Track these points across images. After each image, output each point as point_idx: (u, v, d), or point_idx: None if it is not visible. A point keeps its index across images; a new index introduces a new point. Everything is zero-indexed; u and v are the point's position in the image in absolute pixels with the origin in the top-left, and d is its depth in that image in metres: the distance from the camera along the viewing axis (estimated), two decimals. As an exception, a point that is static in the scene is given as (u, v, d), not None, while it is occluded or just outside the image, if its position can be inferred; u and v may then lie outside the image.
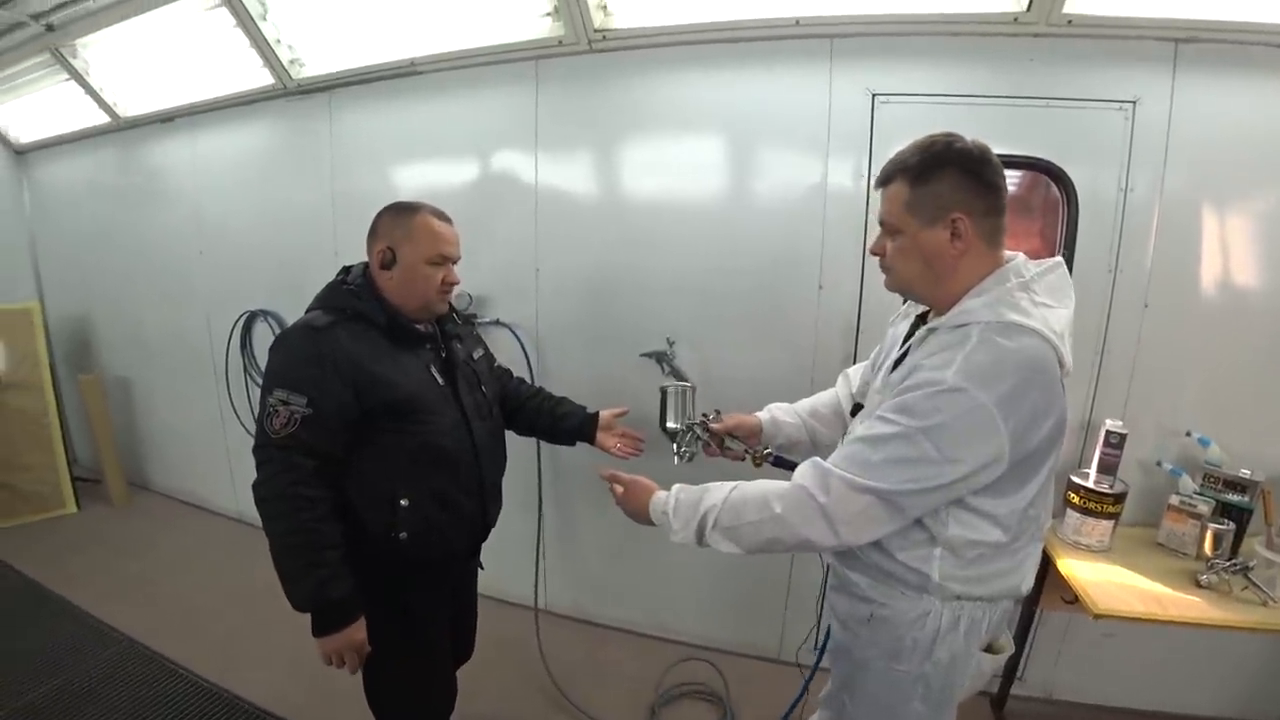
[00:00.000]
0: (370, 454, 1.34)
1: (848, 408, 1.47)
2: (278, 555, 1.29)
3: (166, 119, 3.11)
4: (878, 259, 1.17)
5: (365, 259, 1.44)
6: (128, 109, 3.17)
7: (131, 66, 2.96)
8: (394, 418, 1.35)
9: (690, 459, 1.53)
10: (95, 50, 2.95)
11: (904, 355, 1.17)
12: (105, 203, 3.52)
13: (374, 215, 1.44)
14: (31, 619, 2.58)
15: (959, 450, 0.98)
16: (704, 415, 1.54)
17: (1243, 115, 1.77)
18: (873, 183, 1.19)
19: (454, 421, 1.44)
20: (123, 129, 3.27)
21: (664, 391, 1.58)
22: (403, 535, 1.38)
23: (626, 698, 2.19)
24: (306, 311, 1.39)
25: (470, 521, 1.52)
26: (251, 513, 3.39)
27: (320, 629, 1.33)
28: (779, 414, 1.54)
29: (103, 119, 3.25)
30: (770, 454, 1.47)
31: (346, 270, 1.46)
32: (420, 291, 1.40)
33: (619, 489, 1.34)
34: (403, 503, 1.37)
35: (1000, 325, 1.01)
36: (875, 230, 1.17)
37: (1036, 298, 1.06)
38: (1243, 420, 1.87)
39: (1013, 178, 1.96)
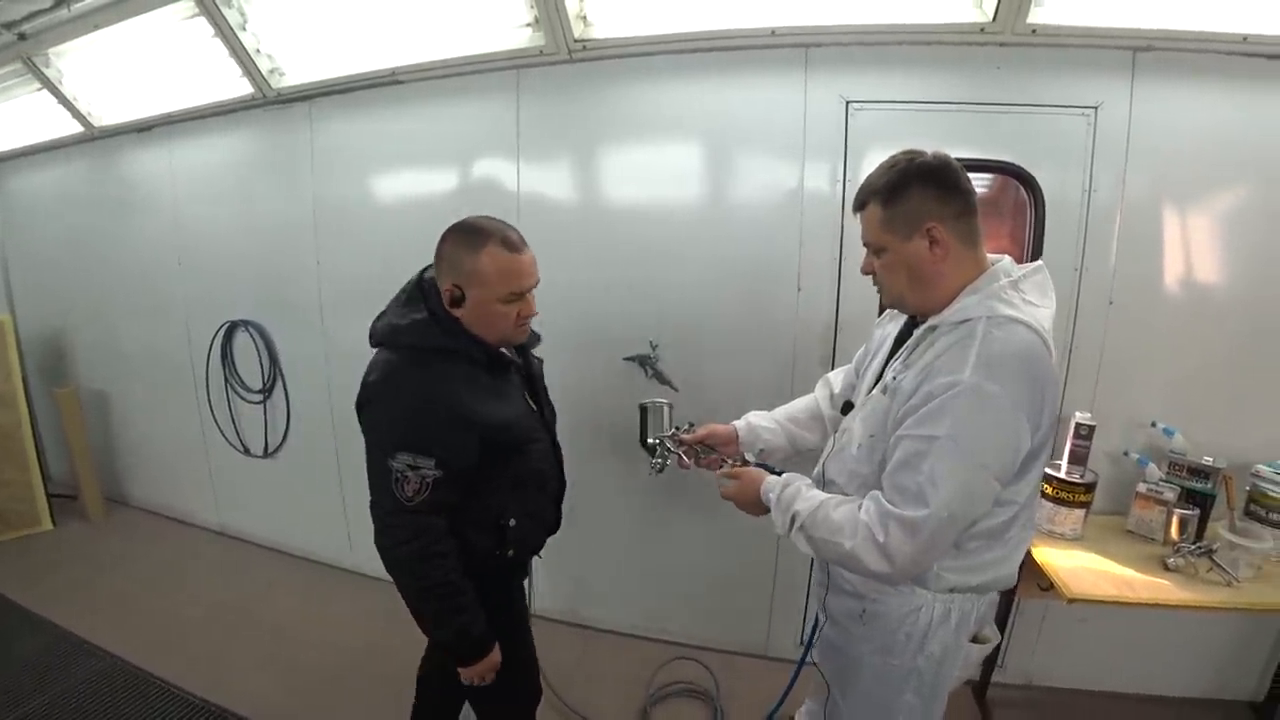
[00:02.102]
0: (478, 484, 1.33)
1: (827, 411, 1.51)
2: (416, 605, 1.31)
3: (143, 129, 3.07)
4: (870, 277, 1.23)
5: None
6: (103, 118, 3.13)
7: (107, 76, 2.93)
8: (504, 451, 1.36)
9: (661, 470, 1.57)
10: (69, 60, 2.92)
11: (893, 353, 1.22)
12: (80, 214, 3.46)
13: (439, 238, 1.31)
14: (6, 639, 2.52)
15: (988, 448, 1.03)
16: (675, 428, 1.58)
17: (1198, 120, 1.86)
18: (849, 207, 1.24)
19: (545, 443, 1.50)
20: (98, 139, 3.23)
21: (642, 408, 1.62)
22: (510, 553, 1.43)
23: (619, 698, 2.21)
24: (390, 346, 1.31)
25: (550, 526, 1.59)
26: (235, 525, 3.39)
27: (465, 661, 1.37)
28: (755, 420, 1.58)
29: (77, 129, 3.20)
30: (750, 462, 1.48)
31: (422, 283, 1.34)
32: (497, 328, 1.33)
33: (732, 484, 1.38)
34: (510, 523, 1.41)
35: (999, 320, 1.06)
36: (851, 234, 1.22)
37: (1025, 296, 1.11)
38: (1204, 410, 1.95)
39: (983, 181, 2.03)
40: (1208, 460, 1.86)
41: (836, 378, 1.55)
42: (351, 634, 2.58)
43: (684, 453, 1.53)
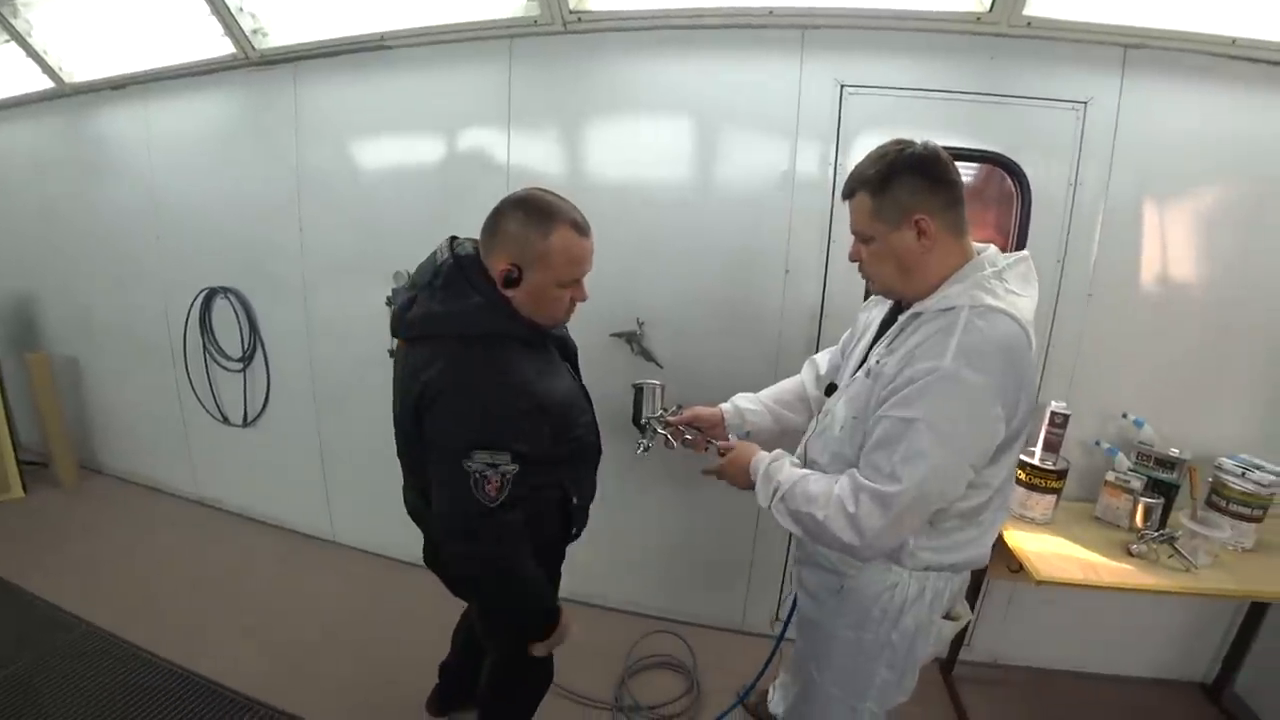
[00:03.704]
0: (541, 468, 1.27)
1: (813, 392, 1.54)
2: (502, 604, 1.32)
3: (118, 86, 2.96)
4: (858, 265, 1.25)
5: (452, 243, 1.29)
6: (75, 74, 3.00)
7: (79, 29, 2.81)
8: (564, 429, 1.32)
9: (647, 450, 1.60)
10: (39, 10, 2.79)
11: (878, 338, 1.24)
12: (50, 174, 3.34)
13: (495, 208, 1.23)
14: (-22, 606, 2.49)
15: (964, 433, 1.06)
16: (663, 409, 1.60)
17: (1184, 119, 1.88)
18: (839, 195, 1.25)
19: (590, 415, 1.48)
20: (68, 95, 3.10)
21: (636, 389, 1.63)
22: (574, 530, 1.44)
23: (596, 669, 2.25)
24: (436, 336, 1.21)
25: (593, 495, 1.58)
26: (213, 495, 3.36)
27: (541, 636, 1.37)
28: (742, 403, 1.61)
29: (47, 84, 3.07)
30: (734, 444, 1.49)
31: (460, 262, 1.23)
32: (548, 312, 1.27)
33: (724, 458, 1.41)
34: (574, 501, 1.41)
35: (981, 309, 1.09)
36: (841, 219, 1.24)
37: (1008, 285, 1.14)
38: (1174, 404, 2.02)
39: (970, 170, 2.05)
40: (1174, 452, 1.93)
41: (822, 359, 1.57)
42: (328, 604, 2.59)
43: (671, 433, 1.55)
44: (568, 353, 1.51)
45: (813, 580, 1.38)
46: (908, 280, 1.17)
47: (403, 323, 1.24)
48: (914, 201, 1.11)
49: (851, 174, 1.19)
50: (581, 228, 1.23)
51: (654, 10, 2.02)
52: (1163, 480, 1.93)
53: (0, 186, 3.60)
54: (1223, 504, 1.85)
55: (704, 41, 2.04)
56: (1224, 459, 1.89)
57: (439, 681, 2.01)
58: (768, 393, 1.62)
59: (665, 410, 1.60)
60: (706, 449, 1.52)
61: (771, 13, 1.93)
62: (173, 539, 3.07)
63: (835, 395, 1.32)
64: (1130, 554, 1.78)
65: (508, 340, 1.22)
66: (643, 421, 1.60)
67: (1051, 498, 1.92)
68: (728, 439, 1.53)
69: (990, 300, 1.08)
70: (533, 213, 1.19)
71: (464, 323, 1.19)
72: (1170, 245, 1.98)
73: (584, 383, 1.56)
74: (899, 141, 1.15)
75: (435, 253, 1.28)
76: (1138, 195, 1.94)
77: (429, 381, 1.17)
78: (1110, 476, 1.95)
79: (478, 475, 1.13)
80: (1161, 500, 1.86)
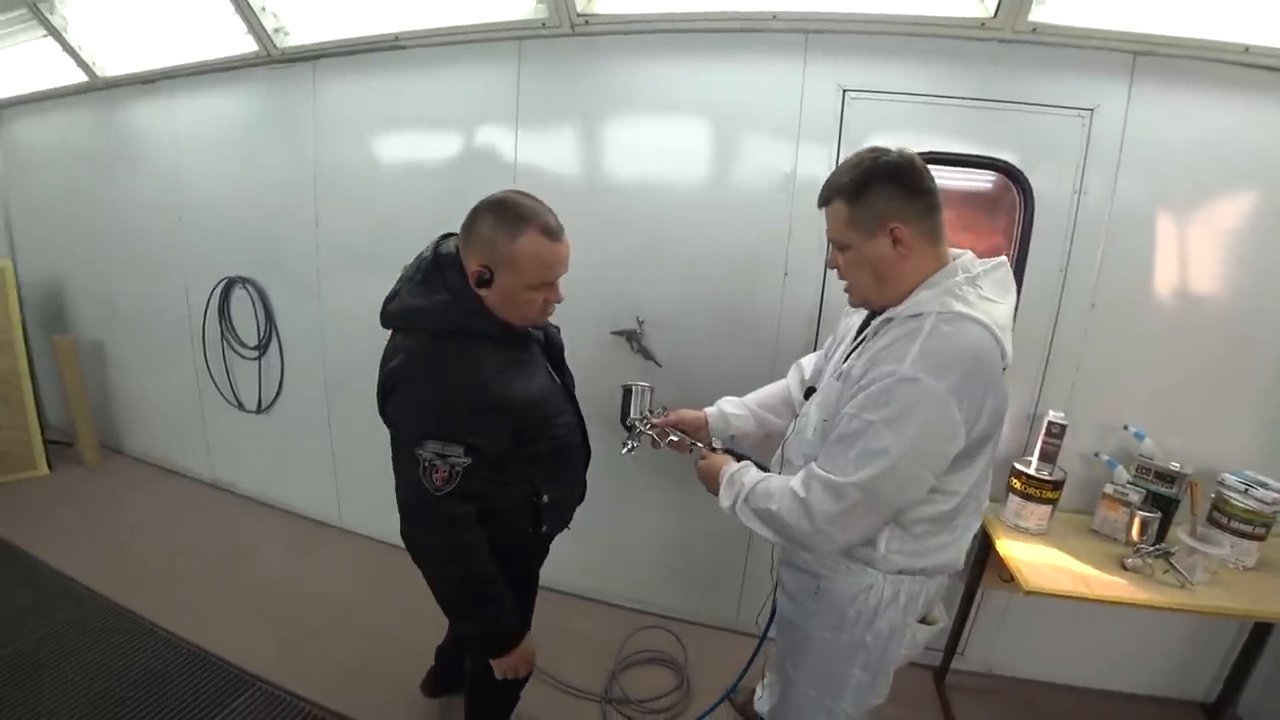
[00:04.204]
0: (510, 464, 1.31)
1: (797, 395, 1.55)
2: (443, 597, 1.29)
3: (147, 81, 3.07)
4: (836, 272, 1.26)
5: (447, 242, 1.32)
6: (106, 69, 3.12)
7: (112, 25, 2.91)
8: (534, 428, 1.35)
9: (632, 450, 1.62)
10: (75, 7, 2.90)
11: (858, 344, 1.25)
12: (81, 163, 3.47)
13: (472, 209, 1.25)
14: (1, 578, 2.59)
15: (921, 438, 1.06)
16: (649, 411, 1.63)
17: (1194, 128, 1.85)
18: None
19: (571, 415, 1.50)
20: (101, 89, 3.22)
21: (625, 390, 1.65)
22: (545, 529, 1.45)
23: (587, 662, 2.28)
24: (408, 329, 1.27)
25: (578, 498, 1.61)
26: (227, 478, 3.44)
27: (495, 652, 1.36)
28: (726, 407, 1.63)
29: (81, 78, 3.19)
30: (718, 448, 1.52)
31: (438, 259, 1.27)
32: (520, 313, 1.29)
33: (702, 462, 1.44)
34: (544, 500, 1.41)
35: (949, 315, 1.09)
36: None
37: (982, 292, 1.14)
38: (1177, 417, 1.99)
39: (985, 179, 2.03)
40: (1175, 466, 1.90)
41: (808, 363, 1.58)
42: (334, 587, 2.66)
43: (655, 434, 1.58)
44: (552, 350, 1.53)
45: (791, 581, 1.39)
46: (883, 288, 1.18)
47: (385, 313, 1.30)
48: (889, 210, 1.12)
49: (827, 182, 1.20)
50: (553, 232, 1.24)
51: (659, 14, 2.04)
52: (1162, 494, 1.90)
53: (34, 175, 3.76)
54: (1224, 520, 1.82)
55: (707, 45, 2.05)
56: (1227, 475, 1.86)
57: (434, 664, 2.06)
58: (753, 397, 1.64)
59: (652, 412, 1.63)
60: (690, 450, 1.54)
61: (775, 17, 1.94)
62: (187, 519, 3.17)
63: (811, 398, 1.33)
64: (1125, 568, 1.76)
65: (475, 337, 1.25)
66: (629, 422, 1.62)
67: (1047, 508, 1.91)
68: (711, 441, 1.54)
69: (959, 307, 1.09)
70: (504, 216, 1.21)
71: (436, 318, 1.24)
72: (1179, 256, 1.94)
73: (574, 381, 1.59)
74: (874, 149, 1.16)
75: (425, 249, 1.32)
76: (1145, 204, 1.91)
77: (391, 370, 1.24)
78: (1108, 489, 1.93)
79: (427, 463, 1.17)
80: (1159, 514, 1.84)
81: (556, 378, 1.51)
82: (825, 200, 1.20)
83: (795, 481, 1.16)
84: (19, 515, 3.07)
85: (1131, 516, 1.85)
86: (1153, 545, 1.78)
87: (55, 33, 2.97)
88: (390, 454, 1.25)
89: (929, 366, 1.04)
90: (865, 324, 1.29)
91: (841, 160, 1.94)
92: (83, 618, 2.37)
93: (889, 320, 1.16)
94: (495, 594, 1.30)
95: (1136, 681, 2.24)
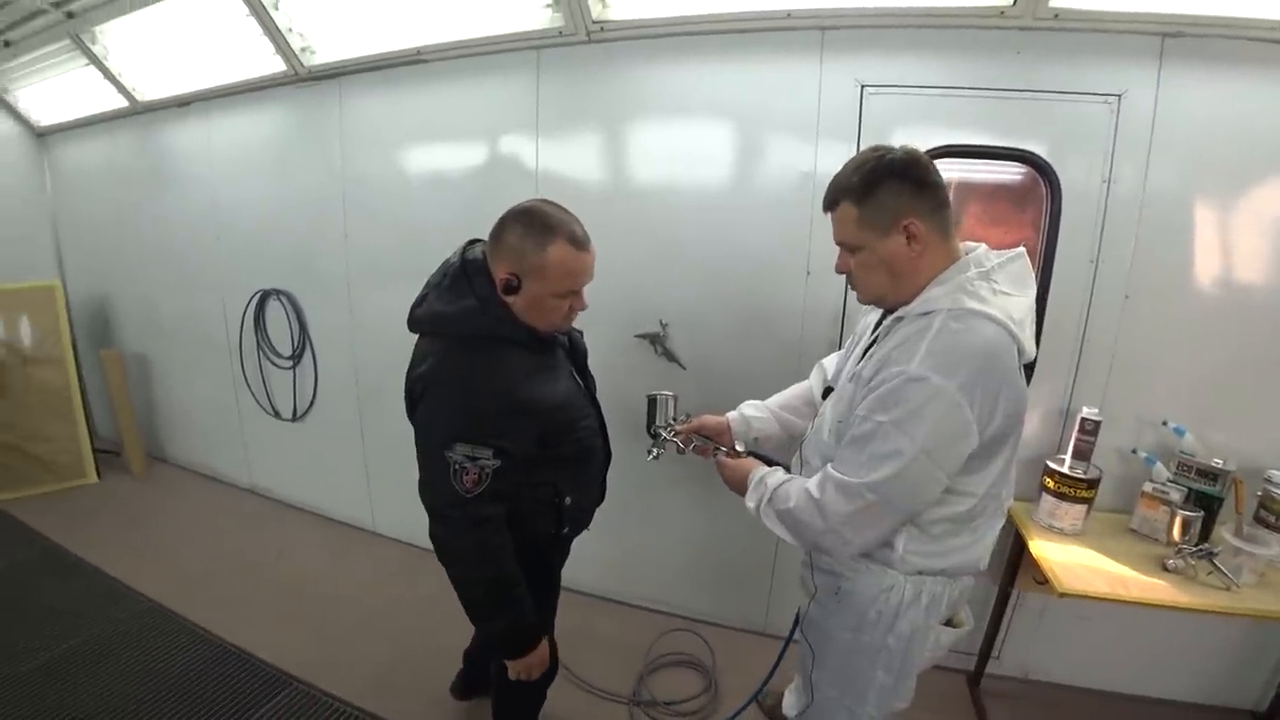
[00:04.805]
0: (534, 466, 1.33)
1: (819, 396, 1.54)
2: (468, 597, 1.31)
3: (183, 104, 3.19)
4: (845, 276, 1.25)
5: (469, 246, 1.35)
6: (145, 93, 3.26)
7: (148, 52, 3.04)
8: (558, 431, 1.37)
9: (658, 457, 1.63)
10: (114, 36, 3.04)
11: (873, 343, 1.23)
12: (123, 184, 3.63)
13: (500, 218, 1.28)
14: (54, 581, 2.72)
15: (931, 438, 1.04)
16: (672, 419, 1.64)
17: (1229, 109, 1.78)
18: (820, 207, 1.23)
19: (593, 418, 1.53)
20: (140, 113, 3.37)
21: (650, 399, 1.66)
22: (566, 530, 1.47)
23: (616, 664, 2.29)
24: (436, 334, 1.30)
25: (598, 499, 1.63)
26: (264, 484, 3.55)
27: (514, 654, 1.38)
28: (747, 410, 1.62)
29: (121, 103, 3.34)
30: (742, 452, 1.52)
31: (465, 265, 1.30)
32: (547, 319, 1.32)
33: (726, 469, 1.44)
34: (566, 501, 1.44)
35: (959, 312, 1.07)
36: None
37: (997, 286, 1.12)
38: (1220, 412, 1.91)
39: (1012, 171, 1.98)
40: (1218, 463, 1.83)
41: (830, 363, 1.57)
42: (367, 591, 2.71)
43: (680, 441, 1.59)
44: (576, 355, 1.55)
45: (814, 582, 1.38)
46: (899, 286, 1.16)
47: (413, 318, 1.32)
48: (900, 206, 1.10)
49: (832, 185, 1.18)
50: (579, 242, 1.26)
51: (674, 18, 2.05)
52: (1204, 492, 1.83)
53: (80, 197, 3.95)
54: (1272, 519, 1.74)
55: (722, 47, 2.05)
56: (1274, 471, 1.78)
57: (463, 667, 2.09)
58: (775, 399, 1.63)
59: (675, 420, 1.64)
60: (714, 455, 1.54)
61: (790, 15, 1.93)
62: (227, 524, 3.28)
63: (828, 399, 1.32)
64: (1166, 569, 1.69)
65: (501, 342, 1.27)
66: (654, 431, 1.64)
67: (1082, 508, 1.85)
68: (734, 445, 1.54)
69: (971, 304, 1.07)
70: (532, 226, 1.24)
71: (463, 323, 1.26)
72: (1217, 243, 1.87)
73: (596, 386, 1.61)
74: (877, 148, 1.14)
75: (452, 255, 1.35)
76: (1180, 191, 1.84)
77: (421, 375, 1.27)
78: (1147, 487, 1.86)
79: (457, 466, 1.19)
80: (1202, 513, 1.76)
81: (580, 381, 1.53)
82: (832, 203, 1.18)
83: (811, 482, 1.15)
84: (71, 521, 3.22)
85: (1172, 516, 1.78)
86: (1195, 546, 1.71)
87: (96, 61, 3.12)
88: (419, 457, 1.28)
89: (937, 365, 1.02)
90: (880, 323, 1.27)
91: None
92: (128, 618, 2.46)
93: (900, 319, 1.15)
94: (519, 596, 1.33)
95: (1182, 688, 2.15)
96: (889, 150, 1.13)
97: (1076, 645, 2.18)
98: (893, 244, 1.12)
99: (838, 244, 1.21)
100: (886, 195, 1.11)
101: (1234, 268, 1.88)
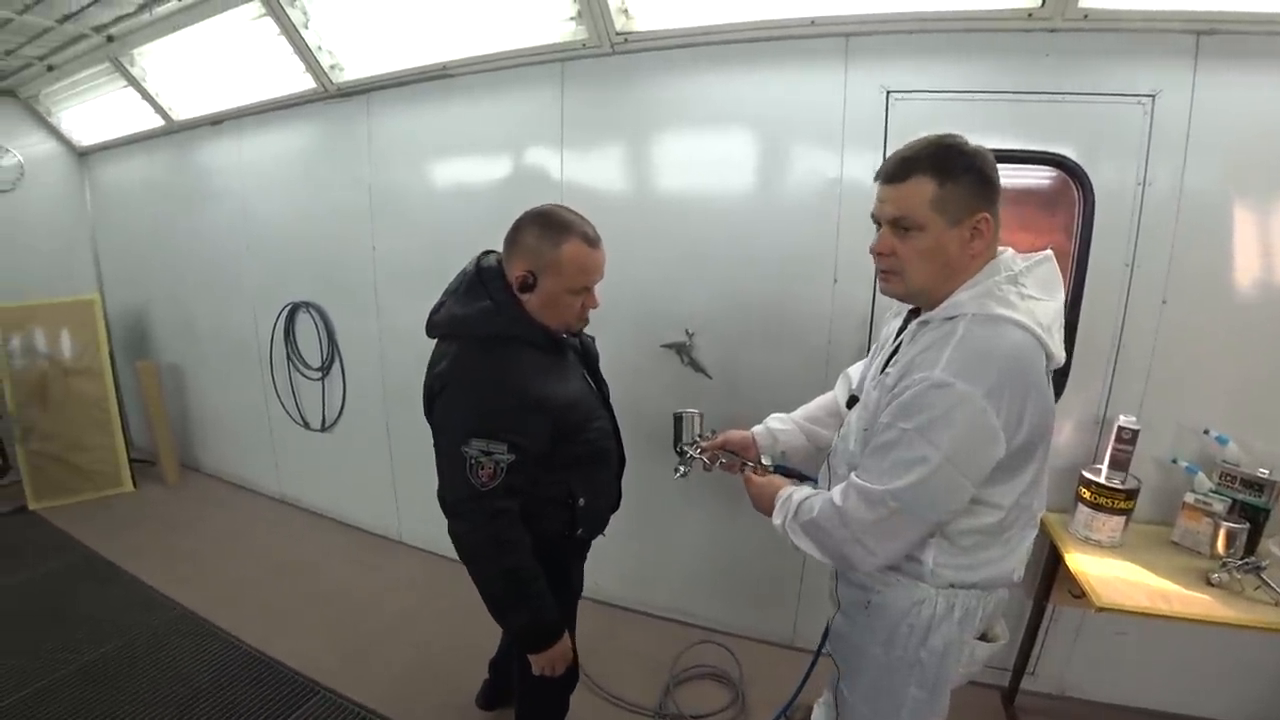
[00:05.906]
0: (547, 466, 1.36)
1: (845, 406, 1.51)
2: (488, 592, 1.33)
3: (216, 122, 3.29)
4: (877, 259, 1.15)
5: (490, 255, 1.40)
6: (180, 113, 3.37)
7: (184, 73, 3.15)
8: (570, 430, 1.40)
9: (685, 474, 1.63)
10: (151, 59, 3.14)
11: (897, 349, 1.21)
12: (159, 200, 3.75)
13: (515, 221, 1.34)
14: (91, 587, 2.80)
15: (956, 445, 1.01)
16: (698, 436, 1.63)
17: (1269, 107, 1.72)
18: (880, 176, 1.12)
19: (606, 420, 1.56)
20: (175, 131, 3.47)
21: (676, 417, 1.66)
22: (580, 531, 1.49)
23: (642, 676, 2.27)
24: (453, 336, 1.34)
25: (614, 503, 1.64)
26: (294, 494, 3.61)
27: (536, 648, 1.40)
28: (773, 424, 1.60)
29: (158, 122, 3.45)
30: (769, 465, 1.50)
31: (480, 272, 1.35)
32: (560, 317, 1.37)
33: (753, 486, 1.42)
34: (580, 502, 1.46)
35: (985, 318, 1.05)
36: None
37: (1025, 290, 1.09)
38: (1265, 419, 1.84)
39: (1043, 175, 1.95)
40: (1263, 472, 1.76)
41: (855, 372, 1.54)
42: (393, 600, 2.74)
43: (707, 458, 1.59)
44: (589, 360, 1.58)
45: (844, 595, 1.35)
46: (947, 281, 1.10)
47: (431, 324, 1.38)
48: (980, 199, 1.06)
49: (904, 156, 1.08)
50: (591, 240, 1.33)
51: (696, 28, 2.05)
52: (1249, 503, 1.76)
53: (118, 213, 4.09)
54: (1323, 531, 1.68)
55: (745, 56, 2.06)
56: (1324, 481, 1.72)
57: (488, 677, 2.10)
58: (800, 411, 1.61)
59: (701, 436, 1.64)
60: (741, 470, 1.52)
61: (813, 23, 1.92)
62: (257, 533, 3.34)
63: (854, 409, 1.30)
64: (1210, 583, 1.63)
65: (515, 342, 1.32)
66: (680, 448, 1.64)
67: (1119, 519, 1.80)
68: (760, 459, 1.53)
69: (998, 309, 1.04)
70: (548, 226, 1.31)
71: (479, 324, 1.31)
72: (1259, 245, 1.81)
73: (609, 391, 1.63)
74: (953, 135, 1.08)
75: (467, 264, 1.41)
76: (1217, 192, 1.78)
77: (438, 374, 1.33)
78: (1189, 498, 1.80)
79: (473, 460, 1.24)
80: (1247, 525, 1.70)
81: (592, 384, 1.55)
82: (902, 175, 1.07)
83: (835, 492, 1.13)
84: (108, 530, 3.30)
85: (1216, 528, 1.72)
86: (1241, 559, 1.64)
87: (135, 82, 3.23)
88: (437, 453, 1.33)
89: (962, 371, 1.00)
90: (903, 328, 1.25)
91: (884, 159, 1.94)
92: (162, 624, 2.52)
93: (924, 324, 1.12)
94: (538, 591, 1.34)
95: (1224, 708, 2.06)
96: (963, 140, 1.07)
97: (1114, 661, 2.11)
98: (957, 235, 1.07)
99: (888, 220, 1.11)
100: (971, 183, 1.05)
101: (1276, 270, 1.82)
